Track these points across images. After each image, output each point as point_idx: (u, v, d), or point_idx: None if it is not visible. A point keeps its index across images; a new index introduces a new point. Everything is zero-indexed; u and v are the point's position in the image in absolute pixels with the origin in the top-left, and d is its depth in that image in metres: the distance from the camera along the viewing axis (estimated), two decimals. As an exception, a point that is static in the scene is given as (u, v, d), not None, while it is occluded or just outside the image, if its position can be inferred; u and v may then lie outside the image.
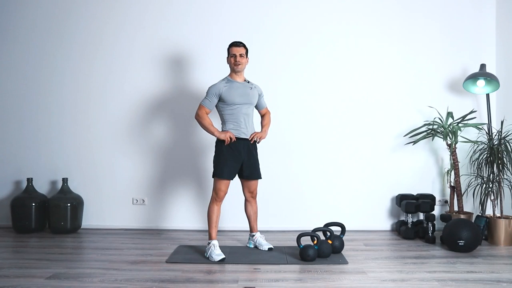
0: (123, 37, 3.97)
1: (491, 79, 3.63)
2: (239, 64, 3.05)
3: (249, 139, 3.10)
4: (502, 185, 3.48)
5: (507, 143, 3.46)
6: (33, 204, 3.75)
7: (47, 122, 4.00)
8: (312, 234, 2.99)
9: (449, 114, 3.74)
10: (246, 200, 3.28)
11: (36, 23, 3.99)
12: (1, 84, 4.02)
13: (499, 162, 3.45)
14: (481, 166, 3.58)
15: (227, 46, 3.14)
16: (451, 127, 3.69)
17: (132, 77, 3.96)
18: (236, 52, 3.05)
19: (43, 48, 3.99)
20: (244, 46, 3.10)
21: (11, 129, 4.01)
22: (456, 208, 3.75)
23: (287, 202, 3.92)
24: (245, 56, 3.09)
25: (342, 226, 3.23)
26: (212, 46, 3.90)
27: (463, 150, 3.84)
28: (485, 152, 3.57)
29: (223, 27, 3.93)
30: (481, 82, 3.72)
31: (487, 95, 3.78)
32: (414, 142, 3.82)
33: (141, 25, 3.96)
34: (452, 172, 3.72)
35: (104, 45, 3.97)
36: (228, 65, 3.14)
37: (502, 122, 3.62)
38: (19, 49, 4.00)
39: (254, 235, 3.29)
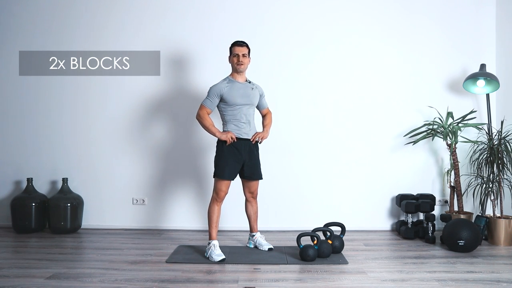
0: (123, 36, 3.97)
1: (491, 79, 3.63)
2: (242, 64, 3.05)
3: (251, 140, 3.10)
4: (502, 185, 3.48)
5: (507, 143, 3.46)
6: (33, 204, 3.75)
7: (47, 122, 3.99)
8: (312, 234, 2.99)
9: (449, 114, 3.74)
10: (246, 200, 3.27)
11: (36, 22, 3.99)
12: (1, 84, 4.02)
13: (499, 162, 3.45)
14: (481, 166, 3.58)
15: (229, 45, 3.14)
16: (451, 127, 3.69)
17: (132, 76, 3.96)
18: (238, 52, 3.04)
19: (43, 48, 3.98)
20: (247, 45, 3.10)
21: (11, 129, 4.01)
22: (456, 208, 3.75)
23: (287, 202, 3.92)
24: (247, 56, 3.09)
25: (342, 226, 3.23)
26: (212, 45, 3.90)
27: (463, 150, 3.84)
28: (485, 152, 3.57)
29: (223, 26, 3.92)
30: (481, 82, 3.72)
31: (487, 95, 3.78)
32: (414, 142, 3.82)
33: (140, 24, 3.96)
34: (452, 172, 3.72)
35: (104, 44, 3.97)
36: (229, 64, 3.14)
37: (502, 122, 3.62)
38: (19, 49, 3.99)
39: (254, 235, 3.29)
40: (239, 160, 3.06)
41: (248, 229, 3.38)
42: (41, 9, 3.99)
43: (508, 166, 3.47)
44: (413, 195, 3.81)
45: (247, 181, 3.19)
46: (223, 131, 3.10)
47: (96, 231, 3.87)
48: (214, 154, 3.12)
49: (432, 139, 3.88)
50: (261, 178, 3.20)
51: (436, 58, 3.96)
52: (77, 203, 3.81)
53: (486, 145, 3.61)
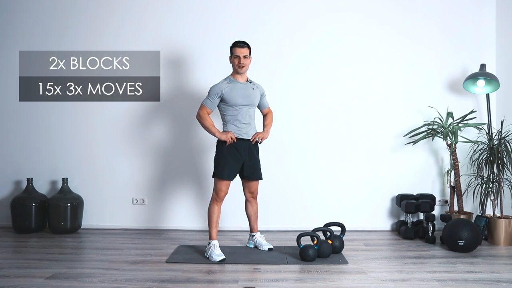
0: (123, 36, 3.97)
1: (491, 79, 3.63)
2: (243, 66, 3.04)
3: (251, 140, 3.10)
4: (502, 185, 3.48)
5: (507, 143, 3.46)
6: (33, 204, 3.74)
7: (47, 122, 3.99)
8: (312, 234, 2.99)
9: (449, 114, 3.74)
10: (246, 200, 3.27)
11: (36, 22, 3.99)
12: (1, 84, 4.02)
13: (499, 162, 3.45)
14: (481, 166, 3.58)
15: (230, 45, 3.12)
16: (451, 127, 3.69)
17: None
18: (239, 54, 3.03)
19: (43, 48, 3.98)
20: (248, 46, 3.08)
21: (11, 129, 4.01)
22: (456, 208, 3.75)
23: (287, 202, 3.92)
24: (248, 57, 3.08)
25: (342, 226, 3.23)
26: (212, 45, 3.90)
27: (463, 150, 3.84)
28: (485, 152, 3.57)
29: (223, 26, 3.92)
30: (481, 82, 3.72)
31: (487, 95, 3.78)
32: (414, 142, 3.82)
33: (140, 24, 3.96)
34: (452, 172, 3.72)
35: (104, 44, 3.97)
36: (229, 64, 3.13)
37: (502, 122, 3.62)
38: (19, 49, 3.99)
39: (254, 235, 3.29)
40: (239, 160, 3.06)
41: (248, 229, 3.38)
42: (41, 9, 3.99)
43: (508, 166, 3.47)
44: (413, 195, 3.81)
45: (247, 181, 3.19)
46: (223, 131, 3.10)
47: (96, 231, 3.87)
48: (214, 154, 3.12)
49: (432, 139, 3.88)
50: (261, 178, 3.20)
51: (436, 58, 3.95)
52: (77, 203, 3.81)
53: (486, 145, 3.61)
